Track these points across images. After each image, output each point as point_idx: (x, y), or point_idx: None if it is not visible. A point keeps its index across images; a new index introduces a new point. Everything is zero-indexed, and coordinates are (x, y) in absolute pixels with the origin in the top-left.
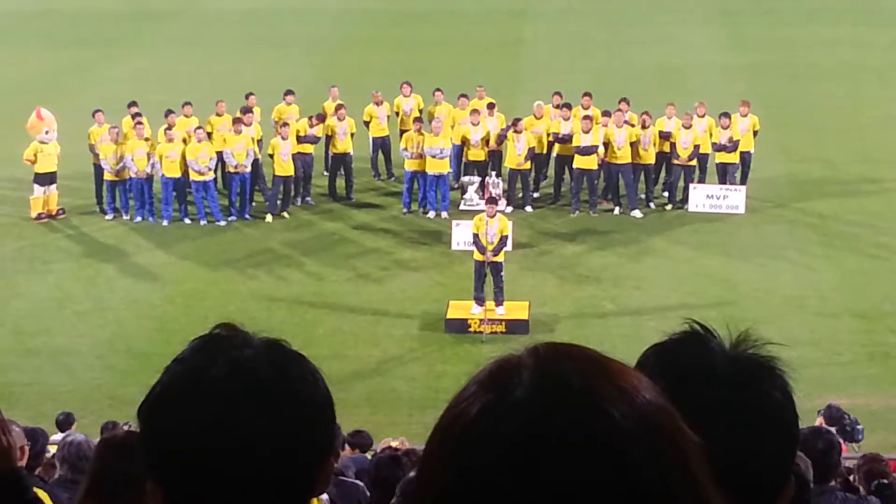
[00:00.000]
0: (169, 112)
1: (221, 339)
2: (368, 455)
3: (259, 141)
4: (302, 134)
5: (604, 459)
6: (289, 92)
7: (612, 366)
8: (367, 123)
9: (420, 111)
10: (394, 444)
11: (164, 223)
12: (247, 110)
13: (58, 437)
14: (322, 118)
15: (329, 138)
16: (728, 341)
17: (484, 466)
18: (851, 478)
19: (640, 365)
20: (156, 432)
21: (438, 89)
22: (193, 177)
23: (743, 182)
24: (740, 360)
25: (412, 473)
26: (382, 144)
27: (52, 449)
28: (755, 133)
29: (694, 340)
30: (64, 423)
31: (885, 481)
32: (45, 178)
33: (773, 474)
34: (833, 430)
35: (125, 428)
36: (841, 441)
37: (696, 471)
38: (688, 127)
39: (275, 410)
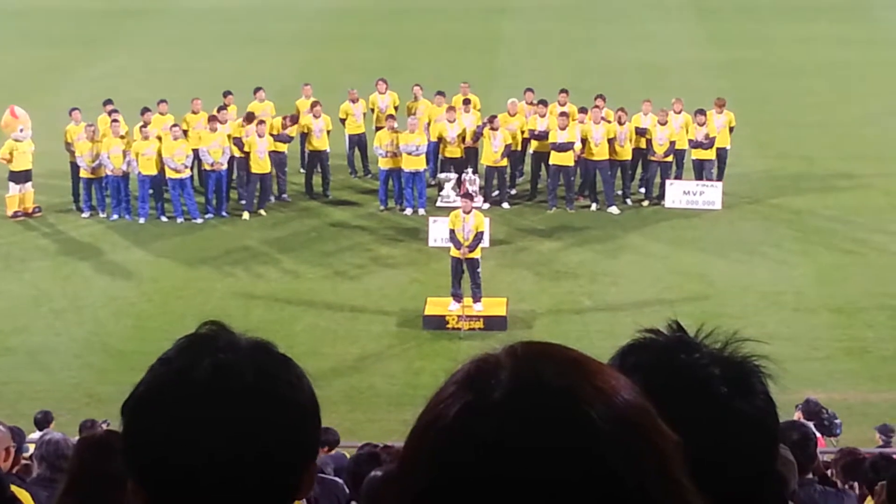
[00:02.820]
0: (145, 110)
1: (207, 340)
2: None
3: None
4: (275, 132)
5: (581, 461)
6: (258, 89)
7: (591, 366)
8: (342, 121)
9: (395, 108)
10: None
11: (141, 221)
12: (222, 108)
13: (35, 435)
14: (295, 119)
15: (305, 136)
16: (702, 337)
17: (462, 467)
18: (829, 472)
19: (623, 361)
20: (139, 432)
21: (418, 84)
22: (170, 174)
23: (719, 178)
24: (732, 364)
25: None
26: (358, 142)
27: (31, 448)
28: (731, 129)
29: (681, 342)
30: (42, 421)
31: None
32: (21, 177)
33: (753, 474)
34: (811, 424)
35: (104, 426)
36: (819, 435)
37: (675, 471)
38: (664, 123)
39: (259, 414)
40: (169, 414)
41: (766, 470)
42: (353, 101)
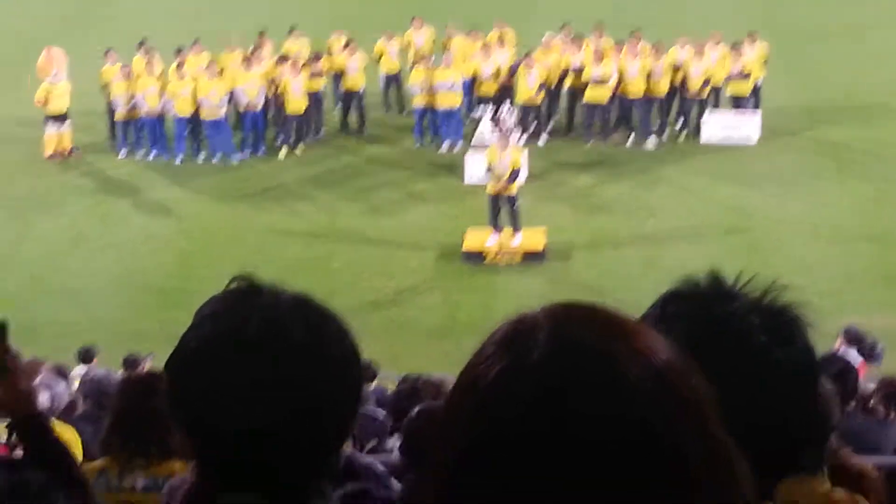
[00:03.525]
0: (179, 49)
1: (251, 296)
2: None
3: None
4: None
5: (620, 422)
6: (293, 28)
7: (629, 326)
8: (377, 60)
9: (433, 43)
10: None
11: (178, 160)
12: (257, 48)
13: (79, 369)
14: (318, 57)
15: (339, 76)
16: (741, 285)
17: (502, 427)
18: (871, 401)
19: (663, 311)
20: (191, 392)
21: (452, 21)
22: (205, 115)
23: (755, 109)
24: (771, 313)
25: (415, 410)
26: (395, 80)
27: (76, 383)
28: (765, 61)
29: (720, 291)
30: (86, 355)
31: None
32: (58, 119)
33: (797, 431)
34: (854, 350)
35: (147, 360)
36: (862, 360)
37: (713, 429)
38: (700, 57)
39: (311, 371)
40: (223, 373)
41: (806, 420)
42: (389, 38)
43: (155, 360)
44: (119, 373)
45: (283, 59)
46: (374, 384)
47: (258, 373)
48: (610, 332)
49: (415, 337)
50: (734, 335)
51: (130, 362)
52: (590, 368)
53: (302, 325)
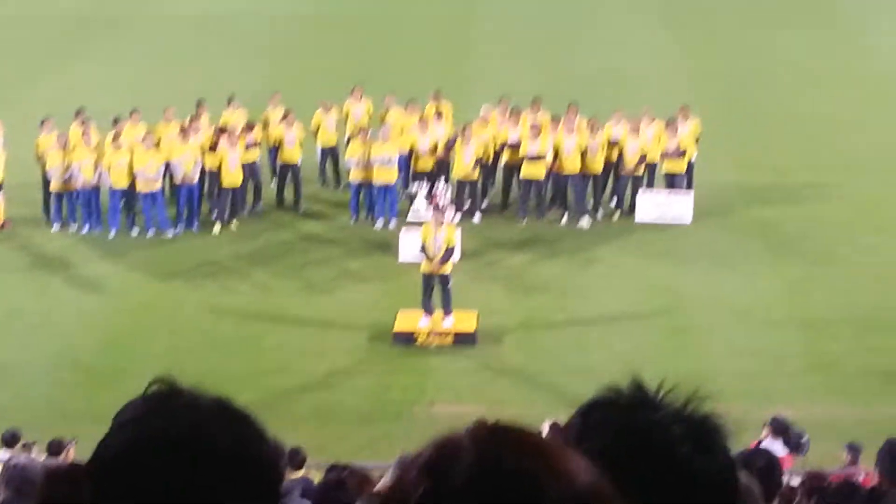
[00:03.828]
0: (117, 120)
1: (171, 400)
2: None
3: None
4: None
5: None
6: (232, 98)
7: (551, 450)
8: (314, 132)
9: (370, 116)
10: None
11: (112, 234)
12: (194, 118)
13: (2, 454)
14: (251, 127)
15: (276, 147)
16: (663, 393)
17: None
18: (795, 496)
19: (584, 420)
20: (112, 497)
21: (390, 94)
22: (141, 187)
23: (688, 188)
24: (693, 422)
25: None
26: (331, 153)
27: None
28: (697, 138)
29: (642, 400)
30: (10, 440)
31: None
32: None
33: None
34: (779, 442)
35: (72, 445)
36: (787, 452)
37: None
38: (635, 134)
39: (232, 473)
40: (145, 479)
41: None
42: (326, 109)
43: (80, 446)
44: (43, 458)
45: (221, 130)
46: (301, 472)
47: (180, 477)
48: (533, 456)
49: (344, 422)
50: (657, 445)
51: (55, 447)
52: (512, 494)
53: (223, 429)
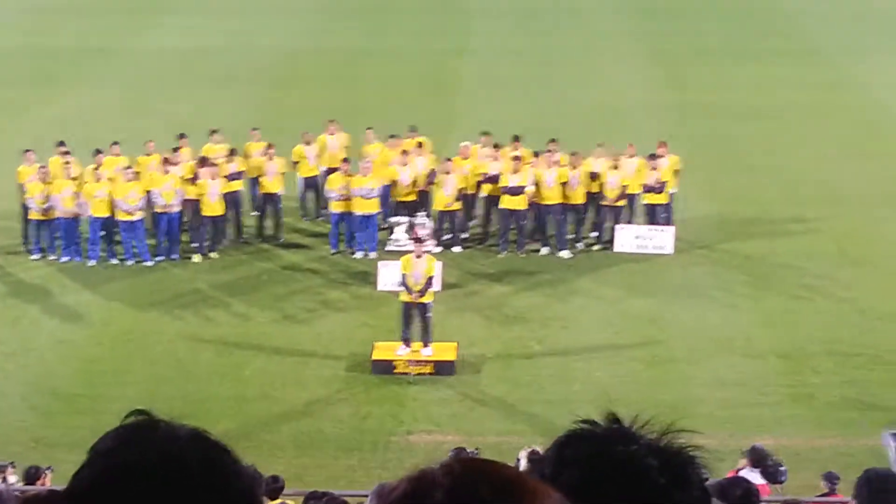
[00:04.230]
0: (97, 151)
1: (146, 430)
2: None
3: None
4: (224, 174)
5: None
6: (214, 131)
7: (526, 485)
8: (296, 164)
9: (346, 149)
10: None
11: (91, 263)
12: (175, 150)
13: None
14: (234, 152)
15: (256, 178)
16: (638, 426)
17: None
18: None
19: (560, 453)
20: None
21: (370, 128)
22: (121, 216)
23: (667, 222)
24: (669, 455)
25: None
26: (313, 184)
27: None
28: (676, 172)
29: (618, 433)
30: None
31: None
32: None
33: None
34: (757, 472)
35: (48, 473)
36: (764, 482)
37: None
38: (616, 168)
39: (210, 503)
40: None
41: None
42: (307, 143)
43: (56, 473)
44: (19, 485)
45: (202, 160)
46: (279, 500)
47: None
48: (506, 492)
49: (323, 450)
50: (633, 478)
51: (31, 475)
52: None
53: (199, 460)
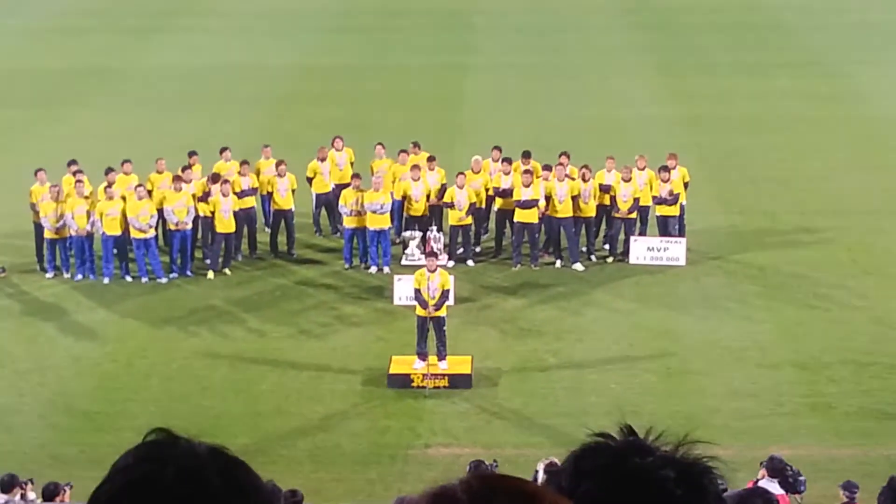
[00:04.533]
0: (109, 170)
1: (165, 447)
2: None
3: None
4: (237, 189)
5: None
6: (224, 148)
7: (545, 500)
8: (310, 179)
9: (352, 164)
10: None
11: (105, 281)
12: (186, 167)
13: (1, 499)
14: (246, 163)
15: (269, 195)
16: (653, 438)
17: None
18: None
19: (577, 466)
20: None
21: (380, 143)
22: (134, 234)
23: (680, 233)
24: (685, 465)
25: None
26: (326, 200)
27: None
28: (686, 185)
29: (634, 445)
30: (8, 484)
31: None
32: None
33: None
34: (775, 482)
35: (66, 489)
36: (783, 492)
37: None
38: (627, 180)
39: None
40: None
41: None
42: (322, 159)
43: (74, 490)
44: (38, 502)
45: (214, 176)
46: None
47: None
48: None
49: (340, 464)
50: (650, 489)
51: (50, 491)
52: None
53: (218, 476)
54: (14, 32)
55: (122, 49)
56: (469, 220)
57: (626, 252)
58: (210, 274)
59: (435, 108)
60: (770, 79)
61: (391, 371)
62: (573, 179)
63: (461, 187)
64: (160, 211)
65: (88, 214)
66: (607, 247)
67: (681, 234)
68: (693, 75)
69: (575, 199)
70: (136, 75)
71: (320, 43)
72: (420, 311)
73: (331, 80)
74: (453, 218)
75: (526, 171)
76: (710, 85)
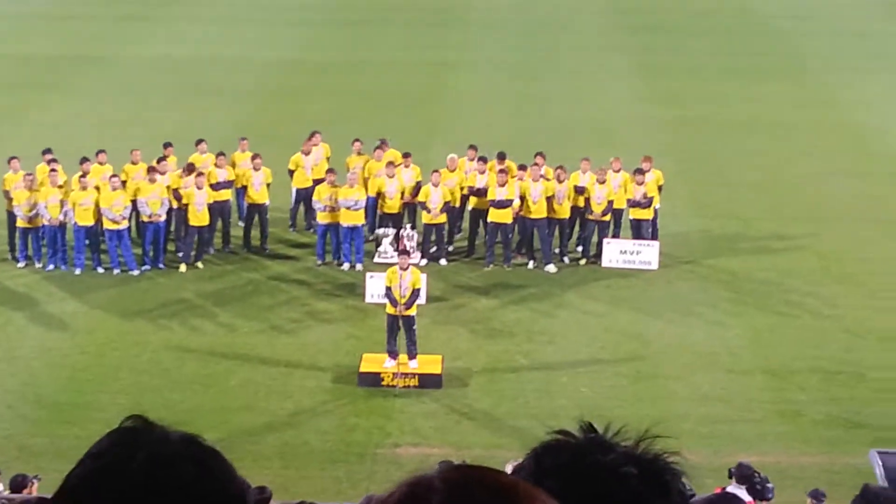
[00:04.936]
0: (84, 160)
1: (138, 434)
2: None
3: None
4: (213, 181)
5: None
6: (200, 141)
7: (522, 492)
8: (291, 172)
9: (328, 159)
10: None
11: (77, 272)
12: (161, 159)
13: None
14: (222, 154)
15: (244, 188)
16: (613, 435)
17: None
18: None
19: (538, 464)
20: None
21: (357, 140)
22: (107, 225)
23: (653, 237)
24: (646, 462)
25: None
26: (306, 195)
27: None
28: (660, 188)
29: (595, 442)
30: None
31: None
32: None
33: None
34: (743, 488)
35: (34, 481)
36: (751, 499)
37: None
38: (602, 182)
39: None
40: None
41: None
42: (306, 153)
43: (42, 482)
44: (5, 494)
45: (189, 167)
46: None
47: None
48: (503, 498)
49: (308, 462)
50: (612, 486)
51: (17, 483)
52: None
53: (189, 464)
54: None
55: (109, 37)
56: (443, 218)
57: (598, 254)
58: (182, 267)
59: (415, 105)
60: (751, 83)
61: (361, 369)
62: (548, 180)
63: (436, 185)
64: (134, 202)
65: (62, 204)
66: (580, 249)
67: (654, 237)
68: (679, 78)
69: (549, 199)
70: (122, 64)
71: (308, 37)
72: (390, 310)
73: (317, 75)
74: (427, 216)
75: (501, 171)
76: (696, 88)
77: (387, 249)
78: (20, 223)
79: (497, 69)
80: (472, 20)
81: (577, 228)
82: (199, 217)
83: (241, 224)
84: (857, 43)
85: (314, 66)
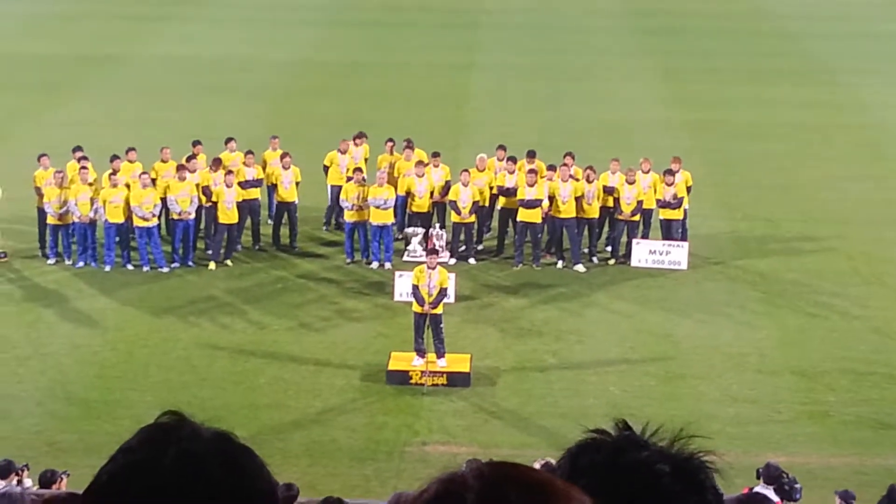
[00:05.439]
0: (114, 157)
1: (170, 430)
2: None
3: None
4: (241, 179)
5: None
6: (230, 139)
7: (556, 489)
8: (326, 169)
9: (366, 160)
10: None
11: (107, 269)
12: (191, 157)
13: None
14: (251, 153)
15: (273, 186)
16: (649, 434)
17: None
18: None
19: (573, 463)
20: None
21: (390, 139)
22: (137, 223)
23: (683, 237)
24: (681, 460)
25: None
26: (338, 193)
27: None
28: (688, 189)
29: (629, 441)
30: (4, 470)
31: None
32: None
33: None
34: (771, 489)
35: (63, 477)
36: (779, 500)
37: None
38: (631, 182)
39: (229, 502)
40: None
41: None
42: (343, 151)
43: (71, 478)
44: (34, 489)
45: (216, 162)
46: None
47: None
48: (537, 495)
49: (336, 459)
50: (647, 483)
51: (47, 478)
52: None
53: (219, 459)
54: (16, 17)
55: (124, 37)
56: (472, 218)
57: (628, 254)
58: (211, 264)
59: (440, 106)
60: (773, 86)
61: (390, 367)
62: (577, 180)
63: (465, 185)
64: (163, 200)
65: (92, 201)
66: (609, 249)
67: (683, 238)
68: (697, 80)
69: (578, 199)
70: (137, 64)
71: (322, 37)
72: (417, 308)
73: (331, 76)
74: (456, 216)
75: (530, 171)
76: (713, 90)
77: (416, 248)
78: (50, 220)
79: (513, 70)
80: (486, 23)
81: (606, 228)
82: (228, 215)
83: (270, 222)
84: (873, 43)
85: (328, 67)
